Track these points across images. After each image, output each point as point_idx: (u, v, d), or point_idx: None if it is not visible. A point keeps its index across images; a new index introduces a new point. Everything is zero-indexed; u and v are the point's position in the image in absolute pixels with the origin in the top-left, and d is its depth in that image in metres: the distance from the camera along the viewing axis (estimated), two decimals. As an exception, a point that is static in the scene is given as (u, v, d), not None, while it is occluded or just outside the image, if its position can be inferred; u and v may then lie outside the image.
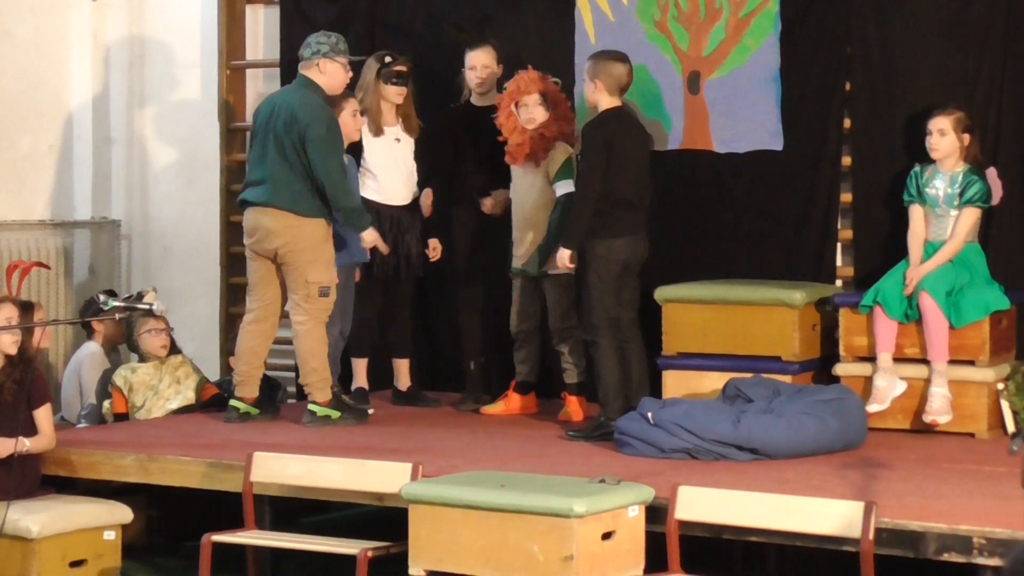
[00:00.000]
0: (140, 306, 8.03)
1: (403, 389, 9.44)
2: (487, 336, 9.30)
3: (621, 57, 8.29)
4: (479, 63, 9.13)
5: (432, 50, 9.84)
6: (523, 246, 8.84)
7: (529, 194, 8.80)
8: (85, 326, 9.81)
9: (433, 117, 9.34)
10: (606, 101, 8.20)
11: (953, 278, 8.11)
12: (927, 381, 8.09)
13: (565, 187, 8.70)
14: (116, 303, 8.12)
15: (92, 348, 9.73)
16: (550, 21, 9.51)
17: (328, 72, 8.55)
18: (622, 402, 8.10)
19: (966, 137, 8.24)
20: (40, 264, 9.53)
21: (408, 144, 9.23)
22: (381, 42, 9.85)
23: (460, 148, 9.17)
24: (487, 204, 9.12)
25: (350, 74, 8.69)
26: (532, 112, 8.69)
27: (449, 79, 9.46)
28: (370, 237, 8.60)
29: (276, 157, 8.47)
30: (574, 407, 8.81)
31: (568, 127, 8.80)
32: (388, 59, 9.15)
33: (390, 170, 9.15)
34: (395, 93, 9.14)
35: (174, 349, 9.24)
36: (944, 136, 8.23)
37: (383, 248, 8.84)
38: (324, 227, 8.54)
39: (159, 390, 9.04)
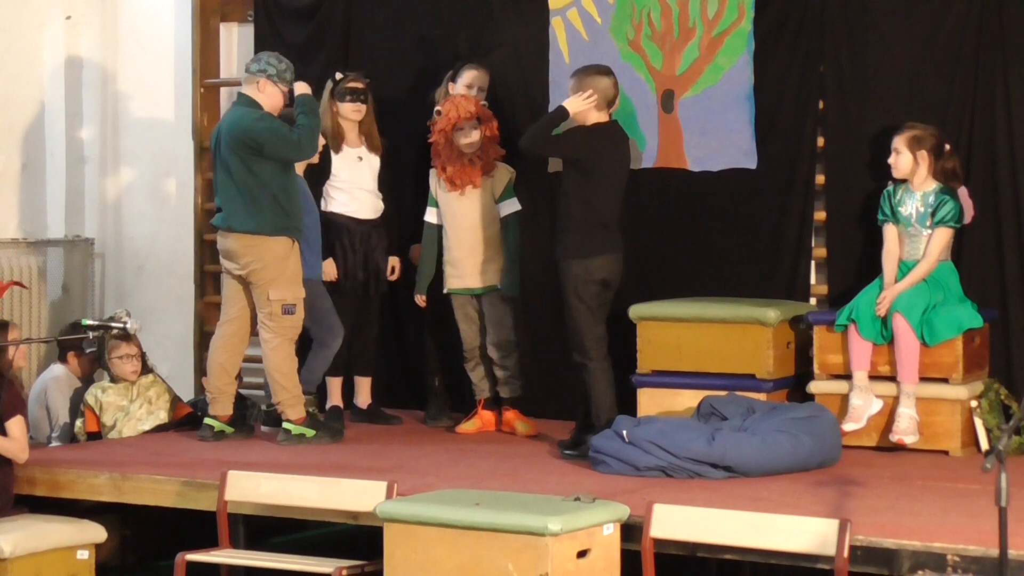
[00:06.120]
0: (114, 325, 8.04)
1: (362, 407, 9.40)
2: (452, 352, 9.28)
3: (605, 71, 8.26)
4: (477, 83, 9.05)
5: (405, 69, 9.84)
6: (466, 267, 8.84)
7: (472, 216, 8.83)
8: (61, 353, 9.75)
9: (404, 136, 9.34)
10: (594, 115, 8.15)
11: (928, 298, 8.13)
12: (896, 400, 8.12)
13: (511, 207, 8.83)
14: (89, 322, 8.13)
15: (56, 371, 9.62)
16: (524, 40, 9.51)
17: (268, 93, 8.50)
18: None
19: (923, 155, 8.23)
20: (17, 283, 9.51)
21: (371, 162, 9.20)
22: (355, 61, 9.85)
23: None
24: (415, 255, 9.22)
25: (287, 102, 8.60)
26: (471, 136, 8.73)
27: (421, 98, 9.45)
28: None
29: (226, 180, 8.47)
30: (516, 421, 8.84)
31: (497, 151, 8.85)
32: (339, 76, 9.13)
33: (353, 188, 9.14)
34: (352, 110, 9.12)
35: (145, 369, 9.20)
36: (899, 155, 8.25)
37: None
38: (285, 244, 8.49)
39: (130, 411, 9.00)
